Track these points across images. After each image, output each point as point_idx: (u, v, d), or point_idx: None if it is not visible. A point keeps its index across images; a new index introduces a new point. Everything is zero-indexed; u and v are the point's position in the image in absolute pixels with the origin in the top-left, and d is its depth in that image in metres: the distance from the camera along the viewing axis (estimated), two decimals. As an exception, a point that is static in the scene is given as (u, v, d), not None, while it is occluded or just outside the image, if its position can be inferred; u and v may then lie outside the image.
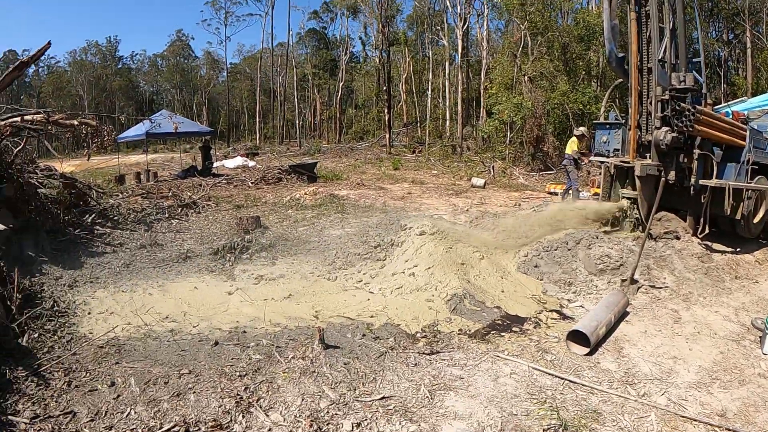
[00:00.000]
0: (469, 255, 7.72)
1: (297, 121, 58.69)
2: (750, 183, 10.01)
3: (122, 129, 27.70)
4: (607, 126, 10.91)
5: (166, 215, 11.85)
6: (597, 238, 8.19)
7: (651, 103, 9.59)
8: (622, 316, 6.16)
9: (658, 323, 6.21)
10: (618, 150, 10.55)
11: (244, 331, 5.50)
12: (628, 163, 9.69)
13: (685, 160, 9.43)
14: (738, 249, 10.08)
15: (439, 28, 45.16)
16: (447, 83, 42.19)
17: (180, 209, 12.54)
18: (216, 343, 5.14)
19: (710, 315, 6.63)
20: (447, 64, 43.09)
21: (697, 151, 9.26)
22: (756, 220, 10.79)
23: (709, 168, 9.56)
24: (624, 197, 9.86)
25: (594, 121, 12.47)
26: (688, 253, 8.72)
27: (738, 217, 9.65)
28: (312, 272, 7.65)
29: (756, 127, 10.86)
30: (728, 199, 9.03)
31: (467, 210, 13.55)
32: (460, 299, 6.40)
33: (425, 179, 21.78)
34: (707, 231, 9.32)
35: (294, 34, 66.79)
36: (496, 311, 6.30)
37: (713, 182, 9.10)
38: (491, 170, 23.46)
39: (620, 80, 10.87)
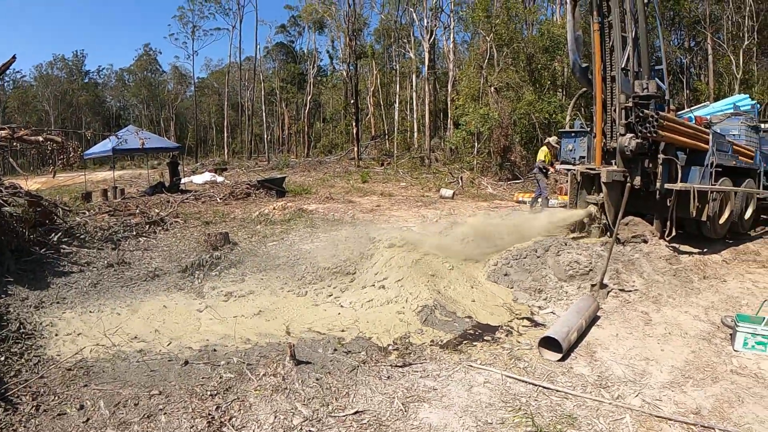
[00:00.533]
0: (438, 266, 7.69)
1: (265, 136, 58.36)
2: (714, 185, 10.21)
3: (89, 145, 27.23)
4: (573, 134, 11.05)
5: (134, 233, 11.58)
6: (566, 244, 8.26)
7: (615, 110, 9.76)
8: (593, 320, 6.17)
9: (629, 326, 6.24)
10: (584, 157, 10.70)
11: (215, 350, 5.37)
12: (594, 169, 9.80)
13: (650, 165, 9.61)
14: (705, 250, 10.30)
15: (405, 41, 45.42)
16: (414, 95, 42.47)
17: (147, 226, 12.27)
18: (186, 363, 5.01)
19: (680, 315, 6.69)
20: (414, 76, 43.37)
21: (661, 156, 9.45)
22: (721, 221, 11.03)
23: (674, 172, 9.77)
24: (591, 203, 9.95)
25: (560, 130, 12.64)
26: (656, 255, 8.83)
27: (704, 218, 9.85)
28: (282, 288, 7.55)
29: (719, 131, 11.14)
30: (694, 202, 9.19)
31: (436, 221, 13.55)
32: (431, 310, 6.34)
33: (394, 191, 21.81)
34: (674, 233, 9.47)
35: (261, 48, 66.38)
36: (467, 321, 6.25)
37: (678, 186, 9.28)
38: (459, 181, 23.66)
39: (584, 89, 11.05)
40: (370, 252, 8.01)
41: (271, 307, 6.81)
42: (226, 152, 55.12)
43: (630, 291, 7.40)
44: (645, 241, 9.36)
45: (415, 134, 40.70)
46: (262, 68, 66.26)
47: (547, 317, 6.48)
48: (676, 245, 9.80)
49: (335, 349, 5.34)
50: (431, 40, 36.17)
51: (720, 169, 10.52)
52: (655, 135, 8.76)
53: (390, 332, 5.82)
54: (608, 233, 9.60)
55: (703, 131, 10.26)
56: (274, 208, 15.26)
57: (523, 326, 6.20)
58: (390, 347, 5.45)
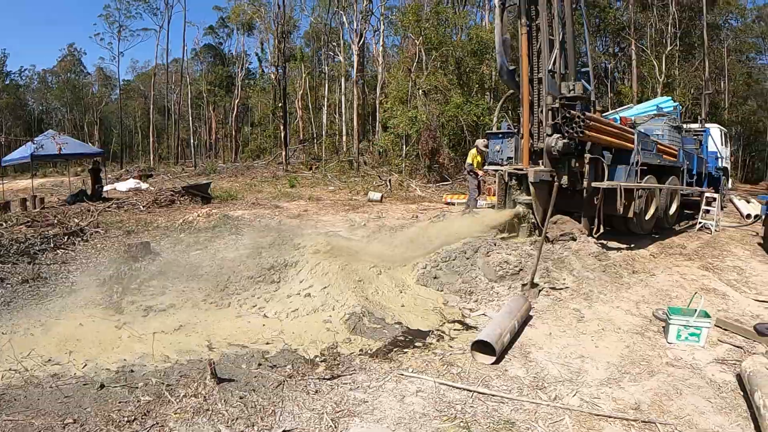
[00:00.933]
0: (365, 271, 7.48)
1: (192, 141, 56.80)
2: (640, 183, 10.45)
3: (9, 151, 25.68)
4: (500, 135, 11.07)
5: (52, 245, 10.85)
6: (495, 245, 8.20)
7: (542, 111, 9.84)
8: (525, 320, 6.08)
9: (562, 324, 6.19)
10: (511, 158, 10.72)
11: (132, 371, 4.96)
12: (522, 170, 9.84)
13: (577, 164, 9.74)
14: (632, 245, 10.53)
15: (335, 44, 45.17)
16: (343, 99, 42.24)
17: (66, 238, 11.54)
18: (102, 386, 4.59)
19: (612, 311, 6.72)
20: (343, 80, 43.18)
21: (588, 156, 9.60)
22: (647, 217, 11.36)
23: (601, 171, 9.90)
24: (519, 203, 9.97)
25: (487, 131, 12.69)
26: (585, 252, 8.91)
27: (630, 215, 10.12)
28: (204, 299, 7.11)
29: (643, 131, 11.42)
30: (620, 200, 9.41)
31: (364, 225, 13.36)
32: (359, 317, 6.11)
33: (322, 196, 21.53)
34: (602, 231, 9.61)
35: (189, 49, 64.53)
36: (397, 327, 6.05)
37: (605, 184, 9.45)
38: (388, 184, 23.53)
39: (512, 92, 11.09)
40: (295, 259, 7.68)
41: (193, 321, 6.39)
42: (152, 158, 53.30)
43: (561, 289, 7.40)
44: (574, 239, 9.44)
45: (344, 137, 40.47)
46: (190, 71, 64.31)
47: (479, 319, 6.34)
48: (605, 242, 10.00)
49: (260, 364, 5.02)
50: (360, 43, 36.12)
51: (645, 168, 10.80)
52: (581, 135, 8.84)
53: (317, 343, 5.54)
54: (537, 232, 9.66)
55: (629, 131, 10.50)
56: (198, 215, 14.63)
57: (454, 330, 6.03)
58: (317, 359, 5.15)
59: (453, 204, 17.63)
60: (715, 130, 18.33)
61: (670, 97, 21.04)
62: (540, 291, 7.16)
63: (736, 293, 7.96)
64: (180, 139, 60.63)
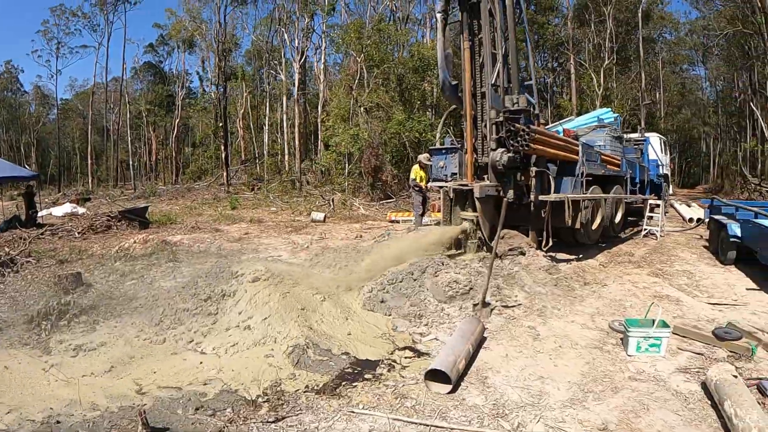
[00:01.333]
0: (309, 298, 7.07)
1: (132, 162, 55.13)
2: (586, 194, 10.44)
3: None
4: (444, 151, 10.91)
5: (-21, 277, 10.11)
6: (443, 264, 7.95)
7: (486, 126, 9.71)
8: (480, 343, 5.83)
9: (517, 344, 5.98)
10: (455, 174, 10.55)
11: (58, 421, 4.45)
12: (467, 185, 9.67)
13: (523, 178, 9.64)
14: (581, 255, 10.53)
15: (277, 62, 44.56)
16: (285, 118, 41.60)
17: (-5, 269, 10.79)
18: (25, 441, 4.10)
19: (568, 326, 6.56)
20: (285, 98, 42.57)
21: (533, 169, 9.50)
22: (594, 227, 11.40)
23: (547, 183, 9.85)
24: (465, 220, 9.79)
25: (430, 147, 12.55)
26: (536, 267, 8.78)
27: (578, 226, 10.04)
28: (137, 335, 6.58)
29: (587, 142, 11.47)
30: (568, 212, 9.33)
31: (307, 247, 12.99)
32: (303, 350, 5.73)
33: (264, 217, 20.96)
34: (551, 243, 9.48)
35: (129, 68, 62.53)
36: (344, 358, 5.69)
37: (552, 197, 9.39)
38: (331, 203, 23.18)
39: (454, 107, 10.99)
40: (233, 288, 7.19)
41: (125, 360, 5.88)
42: (90, 180, 51.15)
43: (514, 306, 7.20)
44: (523, 254, 9.30)
45: (287, 157, 39.74)
46: (130, 90, 62.28)
47: (431, 345, 6.05)
48: (553, 254, 9.91)
49: (197, 409, 4.58)
50: (302, 61, 35.78)
51: (590, 178, 10.82)
52: (526, 148, 8.75)
53: (259, 380, 5.12)
54: (485, 248, 9.48)
55: (573, 143, 10.51)
56: (135, 242, 13.93)
57: (406, 358, 5.71)
58: (260, 399, 4.74)
59: (398, 222, 17.38)
60: (654, 139, 18.82)
61: (609, 109, 21.51)
62: (492, 310, 6.95)
63: (689, 298, 7.99)
64: (119, 160, 58.66)
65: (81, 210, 24.34)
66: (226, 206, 25.12)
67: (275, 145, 44.59)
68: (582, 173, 10.47)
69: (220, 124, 36.77)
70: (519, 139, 8.71)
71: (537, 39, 40.55)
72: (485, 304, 6.87)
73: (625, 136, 15.92)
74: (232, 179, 37.05)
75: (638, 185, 14.85)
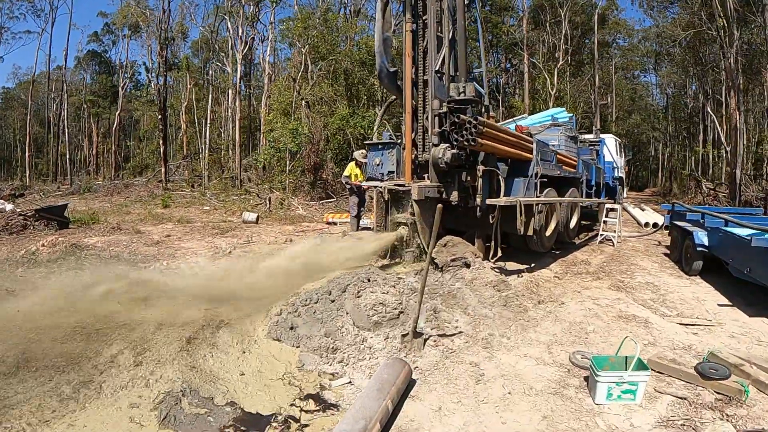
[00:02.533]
0: (199, 324, 5.70)
1: (68, 156, 52.35)
2: (540, 197, 9.28)
3: None
4: (380, 146, 9.61)
5: None
6: (369, 280, 6.54)
7: (427, 118, 8.45)
8: (406, 390, 4.52)
9: (456, 389, 4.67)
10: (393, 172, 9.26)
11: None
12: (404, 186, 8.36)
13: (469, 178, 8.41)
14: (533, 264, 9.48)
15: (224, 54, 42.59)
16: (230, 112, 39.73)
17: None
18: None
19: (519, 361, 5.29)
20: (230, 92, 40.66)
21: (481, 168, 8.25)
22: (548, 233, 10.32)
23: (496, 185, 8.61)
24: (402, 225, 8.49)
25: (365, 142, 11.27)
26: (482, 282, 7.49)
27: (530, 233, 8.82)
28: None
29: (542, 140, 10.36)
30: (520, 217, 8.02)
31: (229, 252, 11.60)
32: (176, 399, 4.33)
33: (195, 217, 19.41)
34: (500, 254, 8.23)
35: (72, 56, 59.64)
36: (228, 411, 4.30)
37: (502, 200, 8.05)
38: (267, 202, 21.65)
39: (395, 97, 9.66)
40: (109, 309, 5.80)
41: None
42: (28, 174, 48.29)
43: (453, 335, 5.87)
44: (467, 265, 8.02)
45: (231, 153, 37.92)
46: (74, 79, 60.14)
47: (343, 392, 4.67)
48: (503, 264, 8.71)
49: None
50: (244, 51, 33.93)
51: (545, 180, 9.62)
52: (473, 144, 7.49)
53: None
54: (422, 259, 8.21)
55: (527, 140, 9.29)
56: (43, 245, 12.35)
57: (307, 411, 4.33)
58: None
59: (335, 224, 16.14)
60: (610, 140, 17.92)
61: (563, 108, 20.59)
62: (426, 341, 5.62)
63: (658, 318, 6.91)
64: (59, 154, 55.80)
65: (9, 206, 22.52)
66: (158, 204, 23.50)
67: (219, 140, 42.67)
68: (536, 174, 9.27)
69: (159, 117, 34.66)
70: (464, 132, 7.45)
71: (491, 39, 40.18)
72: (416, 334, 5.53)
73: (580, 136, 14.96)
74: (173, 175, 35.67)
75: (594, 188, 13.85)
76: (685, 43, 33.09)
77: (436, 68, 8.40)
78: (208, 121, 40.37)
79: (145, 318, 5.67)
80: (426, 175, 8.53)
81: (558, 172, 10.57)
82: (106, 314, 5.71)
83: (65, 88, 53.34)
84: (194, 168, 38.54)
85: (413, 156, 8.62)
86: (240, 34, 33.21)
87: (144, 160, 49.93)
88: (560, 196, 10.75)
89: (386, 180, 9.20)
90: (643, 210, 21.21)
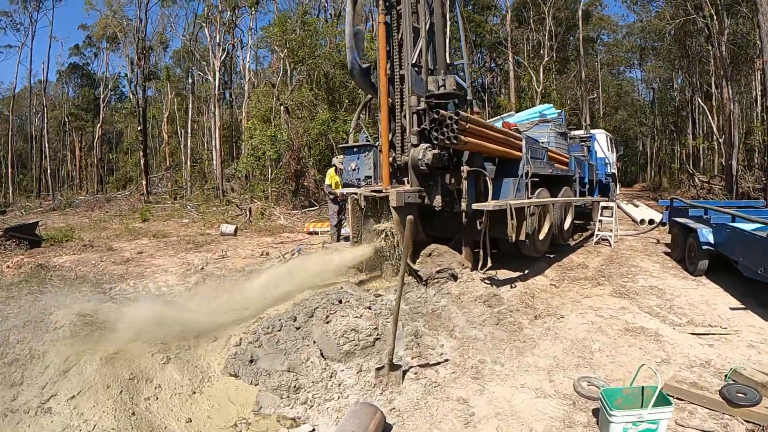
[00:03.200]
0: (145, 360, 4.89)
1: (51, 170, 51.61)
2: (532, 198, 8.51)
3: None
4: (355, 150, 8.85)
5: None
6: (340, 302, 5.74)
7: (406, 116, 7.68)
8: (380, 438, 3.75)
9: (439, 434, 3.91)
10: (370, 177, 8.50)
11: None
12: (381, 191, 7.58)
13: (453, 180, 7.63)
14: (526, 271, 8.75)
15: (205, 63, 41.74)
16: (212, 121, 38.90)
17: None
18: None
19: (516, 394, 4.52)
20: (213, 101, 39.81)
21: (466, 169, 7.44)
22: (542, 237, 9.54)
23: (483, 187, 7.82)
24: (380, 235, 7.72)
25: (340, 146, 10.51)
26: (471, 297, 6.72)
27: (523, 237, 8.02)
28: None
29: (532, 137, 9.61)
30: (511, 222, 7.20)
31: (201, 269, 10.84)
32: (110, 456, 3.53)
33: (172, 230, 18.58)
34: (490, 264, 7.43)
35: (54, 70, 59.09)
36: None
37: (491, 205, 7.20)
38: (248, 213, 20.77)
39: (371, 97, 8.88)
40: (45, 347, 4.98)
41: None
42: (11, 191, 47.32)
43: (437, 364, 5.06)
44: (454, 277, 7.23)
45: (214, 163, 37.08)
46: (56, 93, 59.42)
47: (306, 442, 3.91)
48: (493, 272, 7.91)
49: None
50: (223, 58, 33.09)
51: (537, 179, 8.84)
52: (455, 142, 6.70)
53: None
54: (407, 272, 7.47)
55: (515, 136, 8.50)
56: (8, 266, 11.76)
57: (259, 473, 3.55)
58: None
59: (317, 233, 15.35)
60: (601, 136, 17.22)
61: (551, 105, 19.90)
62: (405, 373, 4.82)
63: (669, 328, 6.18)
64: (42, 169, 54.86)
65: None
66: (137, 218, 22.66)
67: (202, 151, 41.81)
68: (527, 173, 8.47)
69: (139, 128, 33.83)
70: (445, 130, 6.68)
71: (474, 38, 39.68)
72: (393, 367, 4.72)
73: (570, 133, 14.25)
74: (157, 187, 34.91)
75: (587, 186, 13.12)
76: (670, 36, 32.57)
77: (413, 61, 7.65)
78: (189, 132, 39.53)
79: (84, 353, 4.86)
80: (406, 179, 7.77)
81: (550, 171, 9.81)
82: (46, 350, 4.90)
83: (45, 102, 52.75)
84: (177, 180, 37.66)
85: (391, 159, 7.85)
86: (218, 41, 32.34)
87: (128, 173, 49.03)
88: (553, 196, 10.00)
89: (363, 186, 8.45)
90: (637, 206, 20.52)
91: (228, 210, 23.32)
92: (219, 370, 4.97)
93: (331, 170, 11.72)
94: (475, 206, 7.28)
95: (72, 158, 58.40)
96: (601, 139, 16.94)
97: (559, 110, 16.07)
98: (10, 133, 51.54)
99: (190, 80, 45.92)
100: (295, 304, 5.79)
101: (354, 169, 8.81)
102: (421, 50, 7.73)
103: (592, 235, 12.93)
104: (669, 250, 11.13)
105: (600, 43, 47.45)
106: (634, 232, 14.40)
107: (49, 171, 51.58)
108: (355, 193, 8.06)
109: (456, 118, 6.53)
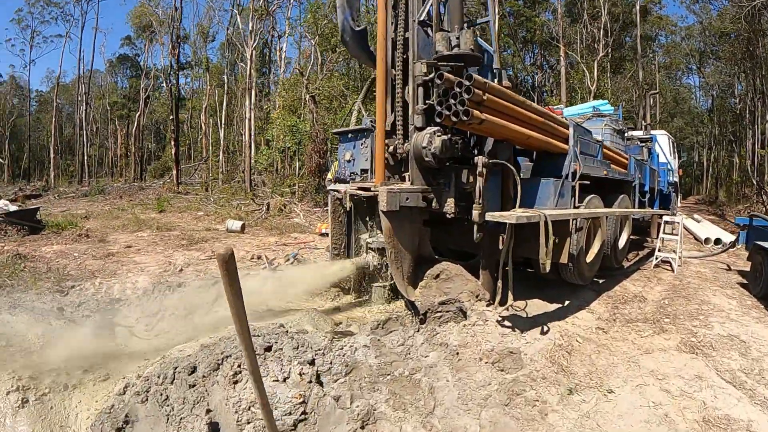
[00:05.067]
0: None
1: (97, 157, 51.94)
2: (580, 207, 6.37)
3: None
4: (350, 135, 6.89)
5: None
6: (269, 349, 3.72)
7: (409, 91, 5.68)
8: None
9: None
10: (367, 171, 6.50)
11: None
12: (370, 190, 5.58)
13: (471, 178, 5.49)
14: (566, 303, 6.55)
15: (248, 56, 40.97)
16: (244, 112, 37.80)
17: None
18: None
19: None
20: (253, 92, 38.70)
21: (481, 160, 5.17)
22: (590, 259, 7.28)
23: (511, 188, 5.73)
24: (370, 248, 5.71)
25: (334, 130, 8.56)
26: (475, 352, 4.58)
27: (564, 260, 5.85)
28: None
29: (583, 126, 7.47)
30: (546, 239, 5.08)
31: (180, 270, 9.31)
32: None
33: (180, 224, 17.16)
34: (512, 300, 5.31)
35: (104, 59, 60.55)
36: None
37: (513, 216, 4.96)
38: (266, 208, 19.05)
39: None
40: None
41: None
42: (53, 176, 47.63)
43: None
44: (462, 313, 5.19)
45: (244, 154, 36.01)
46: (105, 82, 60.46)
47: None
48: (518, 305, 5.84)
49: None
50: (255, 44, 31.38)
51: (587, 182, 6.64)
52: (465, 119, 4.62)
53: None
54: (399, 296, 5.46)
55: (560, 121, 6.35)
56: None
57: None
58: None
59: (328, 235, 13.52)
60: (663, 138, 14.71)
61: (606, 101, 17.50)
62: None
63: (766, 417, 3.99)
64: (87, 156, 55.54)
65: (12, 208, 21.50)
66: (153, 208, 21.49)
67: (238, 143, 40.93)
68: (574, 173, 6.34)
69: (171, 118, 32.96)
70: (452, 102, 4.65)
71: (524, 34, 37.72)
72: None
73: (627, 132, 11.97)
74: (192, 177, 34.63)
75: (647, 195, 10.81)
76: (733, 38, 29.86)
77: (421, 17, 5.64)
78: (223, 123, 38.64)
79: None
80: (407, 174, 5.76)
81: (605, 173, 7.56)
82: None
83: (90, 91, 53.80)
84: (211, 171, 36.84)
85: (392, 148, 5.84)
86: (250, 28, 30.87)
87: (166, 162, 48.98)
88: (607, 206, 7.78)
89: (358, 181, 6.50)
90: (698, 221, 17.83)
91: (249, 204, 21.72)
92: (84, 429, 3.12)
93: (336, 163, 9.89)
94: (490, 217, 5.07)
95: (114, 146, 58.74)
96: (663, 142, 14.43)
97: (616, 107, 13.80)
98: (53, 120, 52.36)
99: (230, 71, 45.23)
100: (203, 346, 3.82)
101: (349, 160, 6.89)
102: (430, 3, 5.73)
103: (650, 255, 10.63)
104: (746, 282, 8.77)
105: (657, 45, 44.61)
106: (698, 254, 11.93)
107: (93, 157, 52.45)
108: (338, 191, 6.09)
109: (467, 84, 4.48)
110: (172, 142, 32.00)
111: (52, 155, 49.43)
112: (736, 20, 26.69)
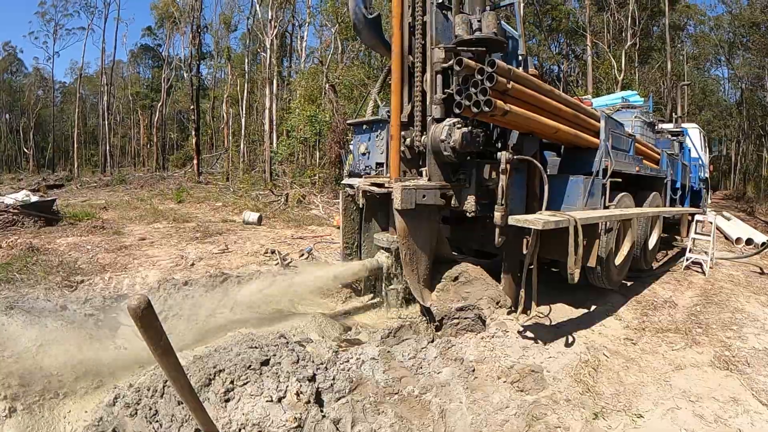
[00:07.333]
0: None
1: (120, 147, 52.32)
2: (610, 207, 5.93)
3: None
4: (365, 127, 6.50)
5: None
6: (266, 363, 3.33)
7: (427, 80, 5.26)
8: None
9: None
10: (383, 165, 6.11)
11: None
12: (383, 186, 5.20)
13: (493, 174, 5.09)
14: (593, 308, 6.18)
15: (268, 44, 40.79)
16: (268, 102, 37.61)
17: None
18: None
19: None
20: (274, 81, 38.47)
21: (504, 155, 4.84)
22: (619, 262, 6.83)
23: (538, 186, 5.32)
24: (382, 250, 5.34)
25: (348, 121, 8.19)
26: (493, 369, 4.15)
27: (593, 264, 5.43)
28: None
29: (615, 119, 7.00)
30: (574, 241, 4.67)
31: (192, 265, 9.04)
32: None
33: (198, 215, 16.94)
34: (537, 309, 4.90)
35: (126, 50, 61.33)
36: None
37: (540, 221, 4.46)
38: (284, 199, 18.75)
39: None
40: None
41: None
42: (76, 165, 48.30)
43: None
44: (482, 321, 4.80)
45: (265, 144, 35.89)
46: (128, 73, 61.21)
47: None
48: (542, 311, 5.43)
49: None
50: (274, 33, 31.01)
51: (619, 180, 6.22)
52: (486, 109, 4.22)
53: None
54: (414, 299, 5.07)
55: (590, 113, 5.92)
56: (0, 246, 10.74)
57: None
58: None
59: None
60: (694, 131, 14.02)
61: (636, 92, 16.84)
62: None
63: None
64: (110, 145, 56.06)
65: (33, 198, 21.53)
66: (172, 198, 21.44)
67: (259, 132, 40.90)
68: (605, 170, 5.92)
69: (191, 107, 32.88)
70: (472, 90, 4.25)
71: (550, 23, 36.93)
72: None
73: (658, 125, 11.40)
74: (213, 167, 34.85)
75: (678, 192, 10.28)
76: (764, 27, 28.98)
77: (440, 0, 5.23)
78: (244, 113, 38.53)
79: None
80: (424, 170, 5.35)
81: (638, 169, 7.11)
82: None
83: (112, 81, 54.27)
84: (233, 160, 36.79)
85: (409, 140, 5.43)
86: (270, 16, 30.54)
87: (188, 152, 49.22)
88: (638, 205, 7.31)
89: (372, 176, 6.11)
90: (728, 219, 17.02)
91: (267, 195, 21.44)
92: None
93: (351, 156, 9.51)
94: (514, 221, 4.64)
95: (137, 136, 59.20)
96: (694, 135, 13.77)
97: (645, 98, 13.21)
98: (77, 111, 52.94)
99: (251, 60, 45.08)
100: (196, 357, 3.47)
101: (364, 153, 6.51)
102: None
103: (679, 255, 10.12)
104: (782, 287, 8.27)
105: (686, 35, 43.63)
106: (730, 255, 11.32)
107: (116, 147, 53.27)
108: (351, 186, 5.72)
109: (489, 70, 4.08)
110: (194, 132, 31.99)
111: (75, 145, 50.07)
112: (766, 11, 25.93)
